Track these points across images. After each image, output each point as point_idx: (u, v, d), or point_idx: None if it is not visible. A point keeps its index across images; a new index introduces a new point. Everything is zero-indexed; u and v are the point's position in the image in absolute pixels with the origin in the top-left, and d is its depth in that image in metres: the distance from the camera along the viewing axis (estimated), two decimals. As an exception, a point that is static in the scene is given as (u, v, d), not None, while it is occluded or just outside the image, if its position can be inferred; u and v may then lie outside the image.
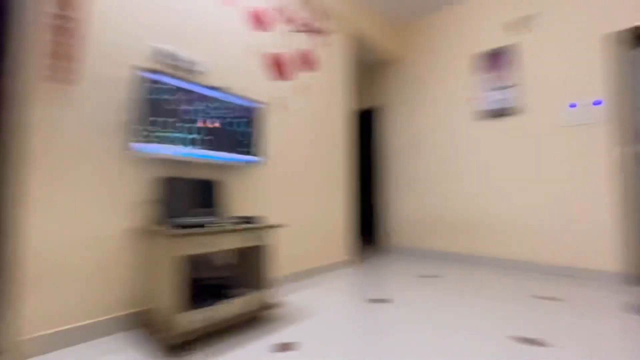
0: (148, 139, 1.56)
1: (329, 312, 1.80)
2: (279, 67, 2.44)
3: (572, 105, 2.67)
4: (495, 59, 3.10)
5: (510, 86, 2.99)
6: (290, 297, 2.07)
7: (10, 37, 1.32)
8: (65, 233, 1.42)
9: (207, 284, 1.60)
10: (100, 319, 1.49)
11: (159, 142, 1.60)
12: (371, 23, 3.42)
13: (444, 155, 3.45)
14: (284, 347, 1.39)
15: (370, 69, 4.47)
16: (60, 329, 1.38)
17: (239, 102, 1.99)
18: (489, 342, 1.43)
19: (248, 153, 2.03)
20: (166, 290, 1.37)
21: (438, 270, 2.83)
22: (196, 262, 1.74)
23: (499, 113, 3.05)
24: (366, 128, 5.80)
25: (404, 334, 1.51)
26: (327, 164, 2.83)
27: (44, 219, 1.36)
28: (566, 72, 2.72)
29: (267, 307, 1.64)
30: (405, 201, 3.75)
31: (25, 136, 1.33)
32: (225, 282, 1.69)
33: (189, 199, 1.76)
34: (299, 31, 2.62)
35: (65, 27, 1.40)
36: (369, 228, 5.02)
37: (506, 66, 3.04)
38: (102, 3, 1.57)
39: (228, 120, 1.92)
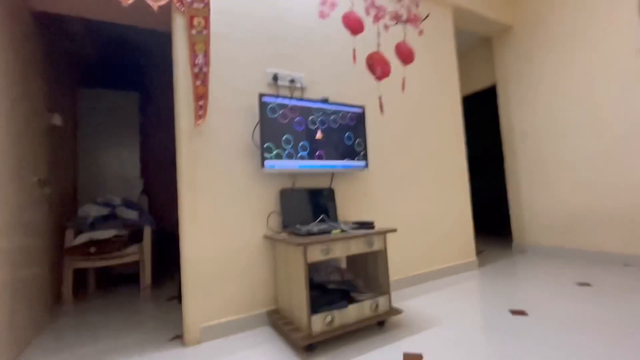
0: (272, 156, 1.75)
1: (452, 321, 1.68)
2: (377, 66, 2.40)
3: None
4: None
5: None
6: (406, 303, 2.02)
7: (174, 87, 1.67)
8: (214, 242, 1.71)
9: (327, 288, 1.70)
10: (244, 315, 1.75)
11: (280, 158, 1.78)
12: (474, -5, 3.03)
13: (593, 133, 2.76)
14: (410, 357, 1.36)
15: (478, 46, 3.99)
16: (216, 322, 1.68)
17: (343, 109, 2.04)
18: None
19: (355, 158, 2.06)
20: (299, 293, 1.51)
21: (587, 276, 2.33)
22: (313, 267, 1.87)
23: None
24: (481, 111, 5.22)
25: (543, 358, 1.29)
26: (436, 159, 2.65)
27: (198, 231, 1.68)
28: None
29: (391, 312, 1.64)
30: (540, 191, 3.19)
31: (183, 164, 1.66)
32: (343, 286, 1.76)
33: (307, 207, 1.91)
34: (392, 24, 2.52)
35: (200, 72, 1.69)
36: (497, 224, 4.51)
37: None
38: (220, 44, 1.82)
39: (335, 129, 1.99)
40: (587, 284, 2.15)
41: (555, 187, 3.04)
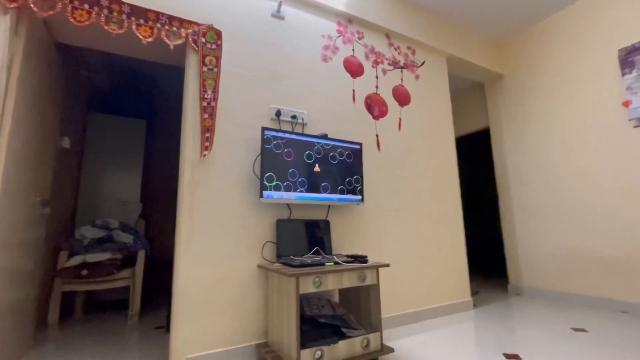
0: (270, 187, 1.81)
1: (445, 364, 1.65)
2: (374, 106, 2.54)
3: None
4: None
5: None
6: (398, 342, 1.98)
7: (182, 118, 1.77)
8: (207, 269, 1.72)
9: (318, 323, 1.68)
10: (233, 347, 1.71)
11: (279, 190, 1.84)
12: (465, 45, 3.26)
13: (585, 178, 2.86)
14: (400, 399, 1.32)
15: (472, 90, 4.21)
16: (203, 353, 1.64)
17: (341, 145, 2.13)
18: None
19: (351, 192, 2.12)
20: (289, 326, 1.50)
21: (583, 322, 2.30)
22: (304, 300, 1.85)
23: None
24: (476, 152, 5.37)
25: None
26: (431, 198, 2.71)
27: (192, 257, 1.69)
28: None
29: (382, 351, 1.61)
30: (535, 233, 3.22)
31: (183, 192, 1.72)
32: (334, 321, 1.74)
33: (303, 238, 1.93)
34: (390, 69, 2.70)
35: (208, 106, 1.80)
36: (493, 265, 4.48)
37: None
38: (229, 81, 1.96)
39: (333, 163, 2.07)
40: (583, 330, 2.12)
41: (551, 230, 3.08)
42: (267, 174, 1.83)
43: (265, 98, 2.07)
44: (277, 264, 1.74)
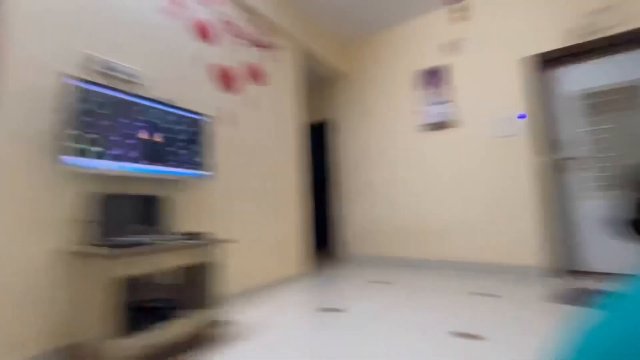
0: (81, 153, 1.45)
1: (280, 327, 1.77)
2: (226, 80, 2.43)
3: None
4: (433, 76, 3.39)
5: (447, 102, 3.28)
6: (241, 315, 2.01)
7: None
8: (-25, 260, 1.25)
9: (148, 307, 1.50)
10: (27, 354, 1.32)
11: (94, 156, 1.49)
12: (318, 40, 3.55)
13: (392, 165, 3.64)
14: (232, 365, 1.34)
15: (319, 84, 4.62)
16: (-34, 372, 1.20)
17: (183, 114, 1.93)
18: (430, 340, 1.52)
19: (194, 167, 1.96)
20: (96, 317, 1.26)
21: (390, 277, 2.95)
22: (136, 284, 1.62)
23: (439, 126, 3.32)
24: (319, 141, 5.92)
25: (353, 340, 1.54)
26: (278, 178, 2.84)
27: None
28: (490, 90, 3.07)
29: (211, 326, 1.58)
30: (358, 210, 3.88)
31: None
32: (168, 303, 1.60)
33: (128, 217, 1.65)
34: (246, 45, 2.64)
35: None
36: (325, 239, 5.08)
37: (442, 83, 3.33)
38: (25, 7, 1.45)
39: (172, 133, 1.85)
40: (388, 282, 2.71)
41: (371, 207, 3.78)
42: (80, 136, 1.46)
43: (80, 38, 1.63)
44: (90, 246, 1.43)
